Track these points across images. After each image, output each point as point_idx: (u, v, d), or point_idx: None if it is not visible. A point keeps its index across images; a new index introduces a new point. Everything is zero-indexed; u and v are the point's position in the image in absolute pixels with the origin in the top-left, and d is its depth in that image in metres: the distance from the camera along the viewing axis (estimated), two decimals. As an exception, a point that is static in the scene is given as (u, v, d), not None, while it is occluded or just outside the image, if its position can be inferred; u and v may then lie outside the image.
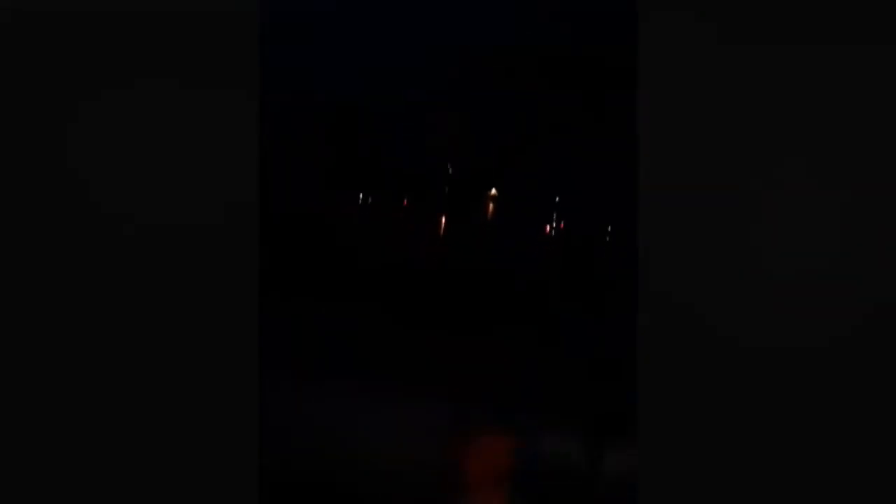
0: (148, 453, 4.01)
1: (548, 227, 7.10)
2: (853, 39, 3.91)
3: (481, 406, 6.06)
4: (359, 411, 5.99)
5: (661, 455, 3.96)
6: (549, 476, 5.68)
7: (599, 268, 6.79)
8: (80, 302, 3.99)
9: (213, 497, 4.02)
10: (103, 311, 4.00)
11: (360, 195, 7.26)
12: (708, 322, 3.96)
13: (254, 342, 4.04)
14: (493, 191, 7.15)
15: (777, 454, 3.91)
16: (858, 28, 3.91)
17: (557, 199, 7.09)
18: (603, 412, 5.98)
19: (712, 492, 3.94)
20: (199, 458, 4.02)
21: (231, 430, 4.03)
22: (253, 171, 4.07)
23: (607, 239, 6.89)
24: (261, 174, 4.09)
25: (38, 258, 3.94)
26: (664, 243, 3.98)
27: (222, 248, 4.04)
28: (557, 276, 6.85)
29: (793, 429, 3.91)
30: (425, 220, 7.19)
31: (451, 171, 7.15)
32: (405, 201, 7.26)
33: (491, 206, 7.21)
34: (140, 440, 4.01)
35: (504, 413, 6.02)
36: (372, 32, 7.08)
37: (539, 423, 5.94)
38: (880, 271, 3.87)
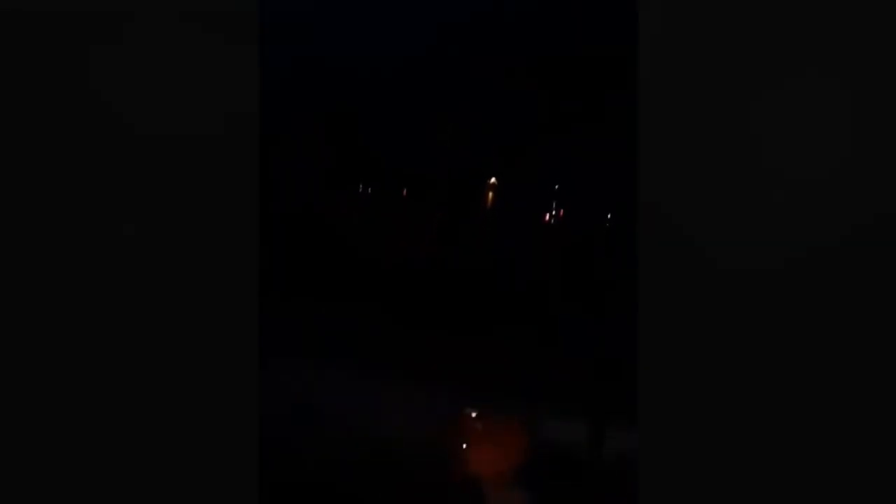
0: (147, 452, 4.00)
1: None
2: (854, 39, 3.91)
3: (482, 403, 6.08)
4: (359, 411, 6.00)
5: (660, 445, 3.96)
6: (550, 464, 5.72)
7: (599, 268, 6.79)
8: (78, 309, 3.99)
9: (213, 496, 4.02)
10: (104, 313, 4.00)
11: (361, 195, 7.26)
12: (708, 320, 3.96)
13: (253, 343, 4.04)
14: (493, 179, 7.14)
15: (773, 446, 3.92)
16: (859, 27, 3.91)
17: (557, 198, 7.09)
18: (602, 410, 5.99)
19: (712, 486, 3.94)
20: (199, 456, 4.02)
21: (231, 430, 4.03)
22: (253, 171, 4.07)
23: (607, 239, 6.89)
24: (261, 174, 4.09)
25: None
26: (664, 243, 3.98)
27: (223, 248, 4.04)
28: (557, 276, 6.84)
29: (789, 424, 3.92)
30: (425, 220, 7.19)
31: (450, 171, 7.15)
32: (405, 201, 7.26)
33: (491, 206, 7.21)
34: (139, 439, 4.00)
35: (504, 408, 6.04)
36: (372, 32, 7.09)
37: (539, 416, 5.97)
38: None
